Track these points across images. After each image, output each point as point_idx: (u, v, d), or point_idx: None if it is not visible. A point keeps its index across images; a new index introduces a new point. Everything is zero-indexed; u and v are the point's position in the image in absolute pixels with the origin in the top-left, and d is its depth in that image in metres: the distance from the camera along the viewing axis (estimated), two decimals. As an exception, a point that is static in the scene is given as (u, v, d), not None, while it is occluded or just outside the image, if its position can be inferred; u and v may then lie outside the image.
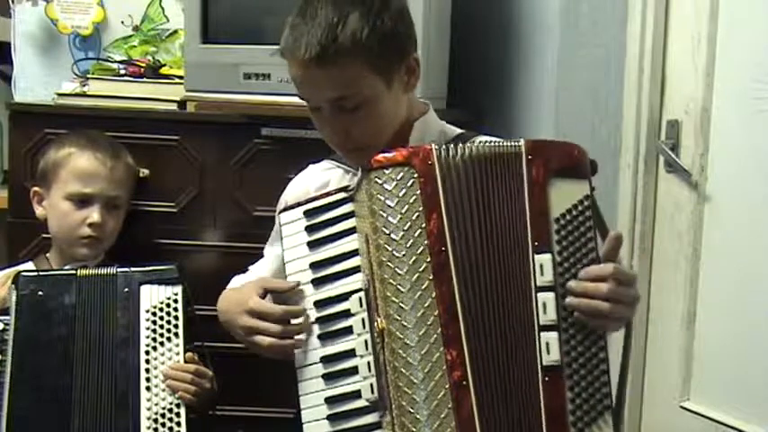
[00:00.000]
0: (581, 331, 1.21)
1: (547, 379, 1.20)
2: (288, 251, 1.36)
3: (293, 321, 1.33)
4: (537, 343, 1.20)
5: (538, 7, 2.08)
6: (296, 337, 1.32)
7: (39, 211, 1.83)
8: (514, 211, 1.24)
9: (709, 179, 1.81)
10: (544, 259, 1.22)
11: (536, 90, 2.07)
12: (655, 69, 1.91)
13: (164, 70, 2.13)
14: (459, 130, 1.51)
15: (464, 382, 1.19)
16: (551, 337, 1.20)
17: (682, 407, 1.85)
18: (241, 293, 1.43)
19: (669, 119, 1.90)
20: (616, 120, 1.97)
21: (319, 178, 1.53)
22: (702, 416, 1.82)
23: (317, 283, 1.33)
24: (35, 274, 1.68)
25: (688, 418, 1.84)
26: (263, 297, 1.37)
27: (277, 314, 1.33)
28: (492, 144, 1.29)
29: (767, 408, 1.69)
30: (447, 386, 1.19)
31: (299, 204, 1.38)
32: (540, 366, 1.20)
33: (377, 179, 1.26)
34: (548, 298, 1.21)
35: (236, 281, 1.60)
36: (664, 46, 1.91)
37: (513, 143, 1.27)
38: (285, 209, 1.40)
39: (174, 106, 1.98)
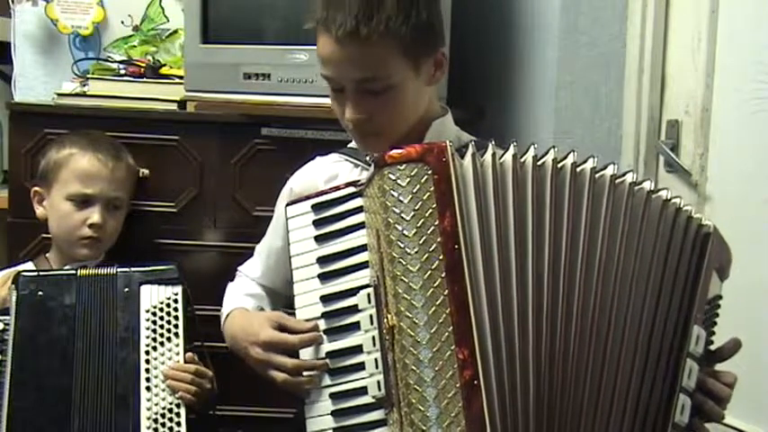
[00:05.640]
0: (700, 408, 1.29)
1: None
2: (294, 245, 1.36)
3: (306, 357, 1.30)
4: (674, 401, 1.24)
5: (538, 6, 2.08)
6: (309, 373, 1.29)
7: (39, 211, 1.83)
8: (671, 267, 1.27)
9: (710, 179, 1.81)
10: (701, 332, 1.27)
11: (536, 89, 2.07)
12: (655, 69, 1.91)
13: (164, 70, 2.12)
14: (473, 138, 1.50)
15: (475, 382, 1.15)
16: (687, 401, 1.25)
17: (682, 407, 1.85)
18: (251, 323, 1.42)
19: (669, 119, 1.90)
20: (616, 120, 1.97)
21: (328, 171, 1.52)
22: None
23: (325, 277, 1.32)
24: (35, 274, 1.67)
25: (688, 418, 1.83)
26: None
27: (290, 344, 1.32)
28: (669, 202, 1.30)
29: (767, 408, 1.69)
30: (458, 385, 1.16)
31: (307, 198, 1.37)
32: (671, 423, 1.24)
33: (390, 175, 1.23)
34: (693, 366, 1.26)
35: (231, 290, 1.59)
36: (664, 46, 1.91)
37: (702, 220, 1.32)
38: (292, 202, 1.39)
39: (173, 106, 1.98)
